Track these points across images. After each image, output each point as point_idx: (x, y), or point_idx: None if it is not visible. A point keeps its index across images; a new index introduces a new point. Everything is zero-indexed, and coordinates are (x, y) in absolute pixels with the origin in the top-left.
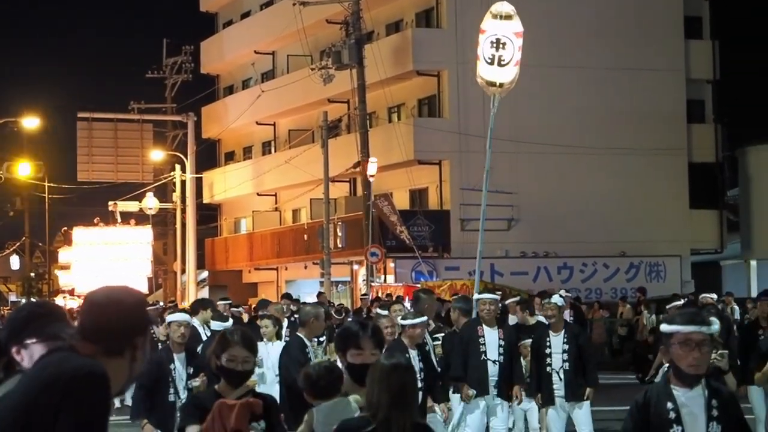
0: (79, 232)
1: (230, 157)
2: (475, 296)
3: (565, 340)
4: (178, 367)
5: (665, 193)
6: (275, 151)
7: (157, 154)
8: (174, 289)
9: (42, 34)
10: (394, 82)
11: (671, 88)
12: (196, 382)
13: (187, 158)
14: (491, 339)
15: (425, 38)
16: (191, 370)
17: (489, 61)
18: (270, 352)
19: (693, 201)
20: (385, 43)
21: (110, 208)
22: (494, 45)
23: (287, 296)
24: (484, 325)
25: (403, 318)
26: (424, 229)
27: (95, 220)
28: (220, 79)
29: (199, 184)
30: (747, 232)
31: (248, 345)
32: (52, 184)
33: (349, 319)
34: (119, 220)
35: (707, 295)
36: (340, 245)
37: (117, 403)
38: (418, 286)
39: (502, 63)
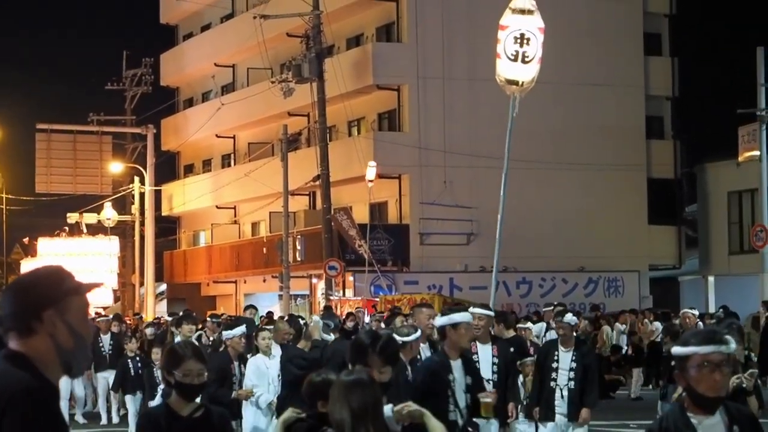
0: (43, 243)
1: (189, 169)
2: (471, 309)
3: (574, 357)
4: (458, 377)
5: (624, 209)
6: (235, 164)
7: (116, 166)
8: (132, 302)
9: None
10: (354, 95)
11: (630, 104)
12: (487, 398)
13: (146, 170)
14: (485, 356)
15: (385, 52)
16: (470, 380)
17: (512, 57)
18: (269, 366)
19: (652, 217)
20: (346, 57)
21: (68, 220)
22: (518, 41)
23: (251, 307)
24: (477, 342)
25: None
26: (383, 243)
27: (64, 231)
28: (180, 92)
29: (158, 196)
30: (705, 248)
31: (201, 358)
32: (9, 196)
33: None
34: (85, 231)
35: (735, 319)
36: (299, 259)
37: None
38: (377, 300)
39: (526, 59)
